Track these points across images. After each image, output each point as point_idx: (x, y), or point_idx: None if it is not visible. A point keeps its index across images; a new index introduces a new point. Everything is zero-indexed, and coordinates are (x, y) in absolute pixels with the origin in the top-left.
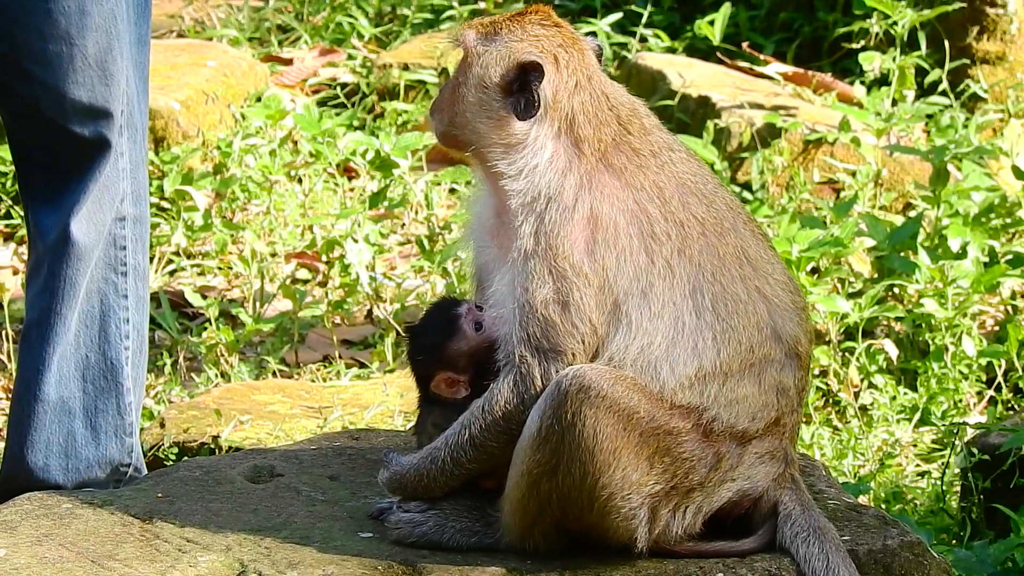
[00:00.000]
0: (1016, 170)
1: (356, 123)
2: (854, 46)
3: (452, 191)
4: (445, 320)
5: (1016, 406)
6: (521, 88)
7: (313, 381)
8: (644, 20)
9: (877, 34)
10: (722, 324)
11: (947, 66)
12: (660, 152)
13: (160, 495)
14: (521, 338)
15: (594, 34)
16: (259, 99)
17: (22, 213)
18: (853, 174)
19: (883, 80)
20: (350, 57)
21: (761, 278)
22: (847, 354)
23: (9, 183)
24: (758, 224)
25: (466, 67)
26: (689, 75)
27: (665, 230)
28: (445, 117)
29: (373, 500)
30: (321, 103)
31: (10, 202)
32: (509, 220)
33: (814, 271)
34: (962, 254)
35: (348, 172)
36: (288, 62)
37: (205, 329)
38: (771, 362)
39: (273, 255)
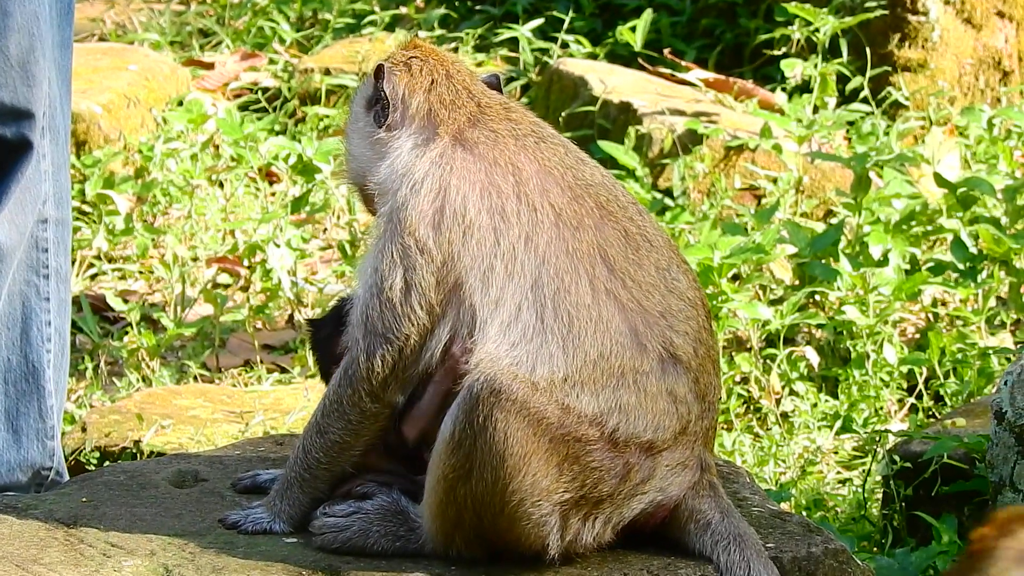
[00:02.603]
0: (937, 177)
1: (278, 128)
2: (776, 53)
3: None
4: (336, 320)
5: (937, 414)
6: (378, 99)
7: (234, 386)
8: (565, 26)
9: (799, 41)
10: (562, 330)
11: (868, 73)
12: (523, 136)
13: (85, 499)
14: (359, 320)
15: (515, 40)
16: (181, 103)
17: None
18: (774, 181)
19: (804, 87)
20: (272, 61)
21: (616, 281)
22: (768, 361)
23: None
24: (654, 226)
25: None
26: (610, 81)
27: (516, 210)
28: (346, 171)
29: None
30: (243, 107)
31: None
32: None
33: (735, 278)
34: (883, 261)
35: (270, 177)
36: (209, 66)
37: (126, 333)
38: (642, 372)
39: (194, 259)
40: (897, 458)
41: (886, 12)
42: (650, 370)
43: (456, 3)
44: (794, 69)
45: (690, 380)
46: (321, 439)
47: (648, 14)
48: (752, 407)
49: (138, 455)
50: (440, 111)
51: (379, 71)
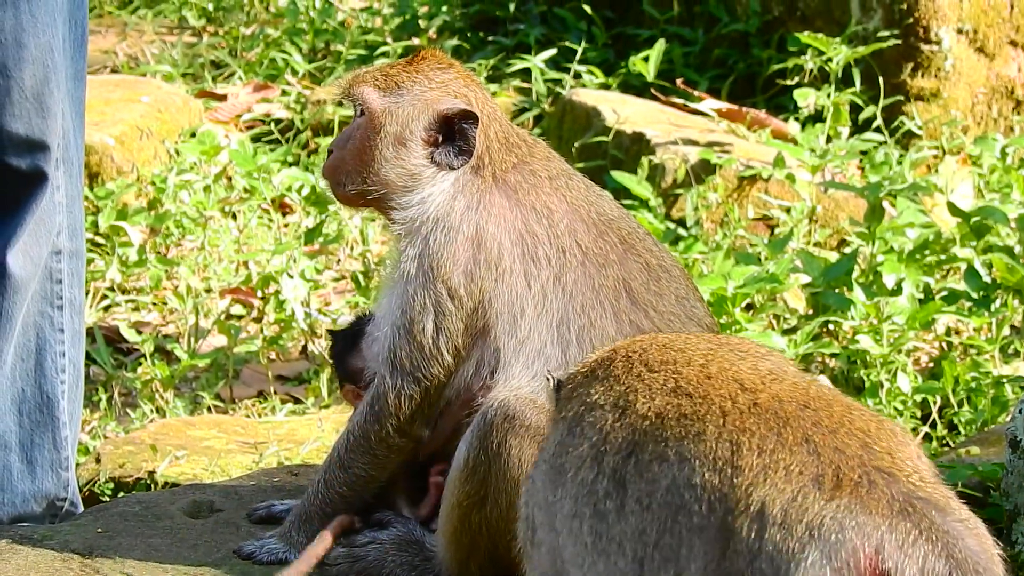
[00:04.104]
0: (951, 207)
1: (291, 159)
2: (788, 83)
3: (387, 227)
4: (351, 334)
5: (951, 442)
6: (449, 138)
7: (248, 416)
8: (578, 56)
9: (812, 71)
10: None
11: (881, 103)
12: (557, 177)
13: (100, 530)
14: (387, 358)
15: (528, 70)
16: (193, 135)
17: None
18: (788, 210)
19: (817, 116)
20: (284, 93)
21: (639, 311)
22: None
23: None
24: (670, 256)
25: (374, 126)
26: (623, 111)
27: (547, 254)
28: (356, 178)
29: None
30: (255, 139)
31: None
32: (397, 247)
33: (749, 307)
34: (897, 290)
35: (283, 208)
36: (222, 98)
37: (140, 364)
38: None
39: (208, 291)
40: None
41: (899, 41)
42: None
43: (468, 34)
44: (807, 99)
45: None
46: (345, 473)
47: (661, 44)
48: None
49: (152, 486)
50: (495, 152)
51: (469, 115)
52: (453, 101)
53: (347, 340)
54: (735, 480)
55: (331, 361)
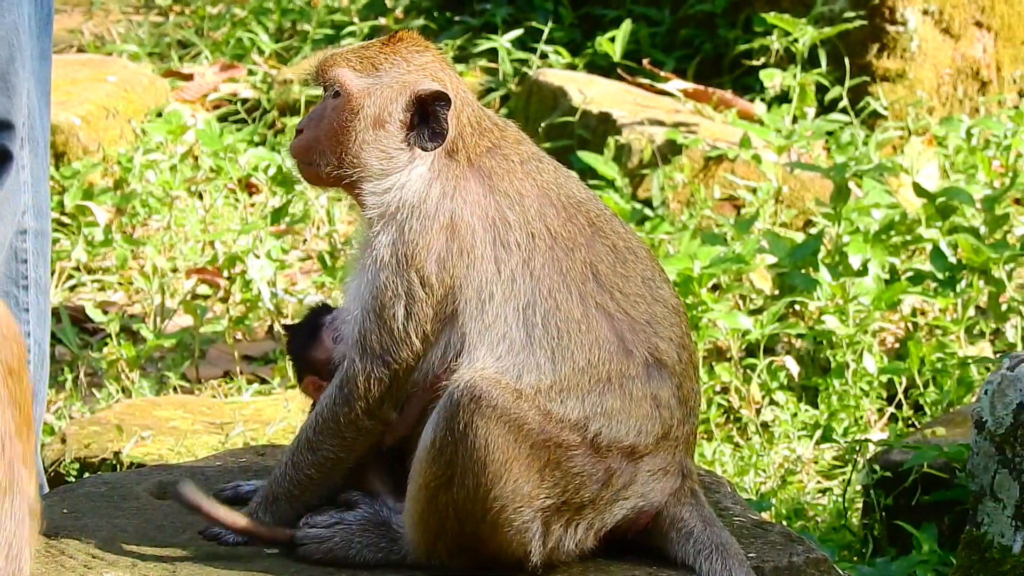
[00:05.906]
0: (916, 187)
1: (257, 139)
2: (755, 63)
3: (354, 207)
4: (310, 327)
5: (917, 423)
6: (423, 120)
7: (214, 397)
8: (545, 37)
9: (778, 51)
10: (551, 343)
11: (847, 83)
12: (528, 161)
13: (66, 511)
14: (355, 340)
15: (494, 50)
16: (159, 114)
17: None
18: (754, 191)
19: (783, 97)
20: (250, 72)
21: (605, 294)
22: (748, 371)
23: None
24: (636, 238)
25: (352, 107)
26: (590, 92)
27: (517, 239)
28: (331, 159)
29: None
30: (222, 119)
31: None
32: (368, 230)
33: (715, 288)
34: (863, 271)
35: (249, 188)
36: (188, 77)
37: (106, 345)
38: (628, 377)
39: (174, 271)
40: (877, 467)
41: (865, 22)
42: (636, 375)
43: (435, 14)
44: (773, 79)
45: (674, 385)
46: (313, 456)
47: (627, 25)
48: (732, 417)
49: (118, 466)
50: (468, 136)
51: (442, 97)
52: (430, 83)
53: (307, 333)
54: None
55: (290, 356)
